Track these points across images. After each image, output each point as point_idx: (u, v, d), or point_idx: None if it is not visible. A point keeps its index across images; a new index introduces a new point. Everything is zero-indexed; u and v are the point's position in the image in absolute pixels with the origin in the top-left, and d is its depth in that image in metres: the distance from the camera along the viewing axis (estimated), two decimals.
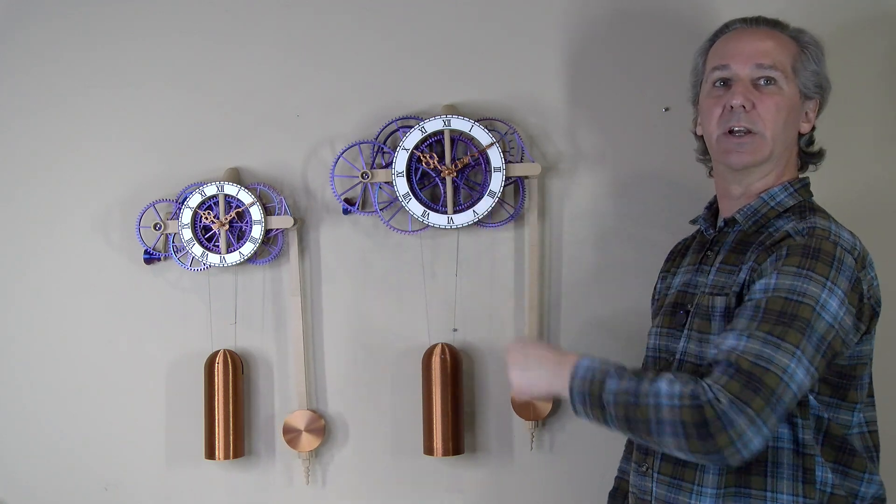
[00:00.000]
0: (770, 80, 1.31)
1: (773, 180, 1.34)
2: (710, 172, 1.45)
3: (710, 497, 1.25)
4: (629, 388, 1.19)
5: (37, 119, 1.80)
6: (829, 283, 1.17)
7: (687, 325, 1.33)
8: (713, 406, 1.12)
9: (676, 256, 1.50)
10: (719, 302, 1.28)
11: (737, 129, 1.30)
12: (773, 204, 1.32)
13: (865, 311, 1.22)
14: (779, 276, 1.19)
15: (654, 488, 1.33)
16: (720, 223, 1.38)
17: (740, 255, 1.30)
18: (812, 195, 1.35)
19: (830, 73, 1.37)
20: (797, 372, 1.14)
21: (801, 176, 1.37)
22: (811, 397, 1.24)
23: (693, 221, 1.48)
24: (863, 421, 1.28)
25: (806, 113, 1.35)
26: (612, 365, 1.25)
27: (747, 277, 1.25)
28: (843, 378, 1.25)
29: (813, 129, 1.37)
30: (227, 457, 1.71)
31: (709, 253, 1.37)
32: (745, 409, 1.12)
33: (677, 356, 1.33)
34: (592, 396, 1.22)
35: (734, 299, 1.26)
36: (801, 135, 1.36)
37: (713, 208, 1.43)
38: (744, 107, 1.29)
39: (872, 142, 1.66)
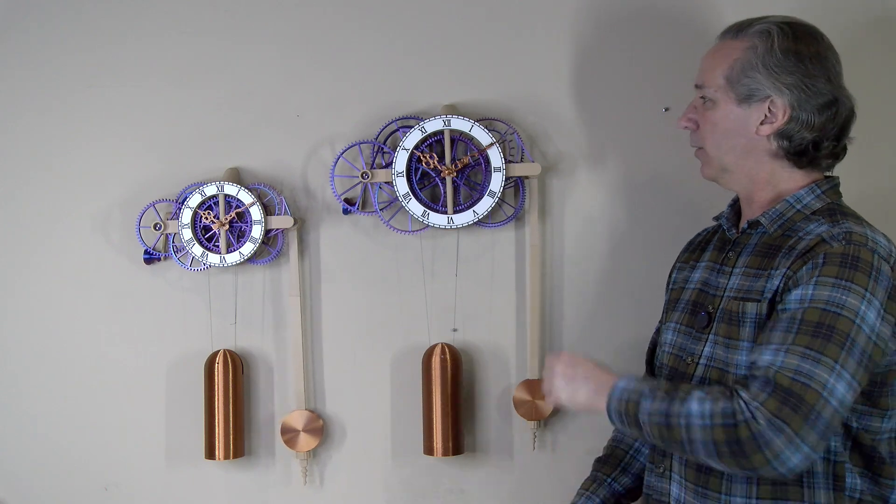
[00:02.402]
0: (705, 98, 1.35)
1: (760, 185, 1.34)
2: None
3: None
4: (661, 408, 1.20)
5: (37, 119, 1.80)
6: (867, 295, 1.17)
7: (712, 330, 1.32)
8: (749, 426, 1.12)
9: (696, 249, 1.49)
10: (750, 308, 1.26)
11: (692, 146, 1.40)
12: (799, 207, 1.31)
13: None
14: (816, 287, 1.18)
15: (672, 489, 1.34)
16: (743, 225, 1.37)
17: (768, 259, 1.28)
18: (841, 196, 1.33)
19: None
20: (837, 387, 1.13)
21: (827, 176, 1.34)
22: None
23: (717, 218, 1.48)
24: (893, 427, 1.26)
25: (766, 113, 1.29)
26: (647, 384, 1.25)
27: (781, 285, 1.23)
28: (876, 386, 1.23)
29: (790, 123, 1.28)
30: (227, 457, 1.71)
31: (730, 254, 1.36)
32: (784, 429, 1.11)
33: (700, 360, 1.32)
34: (629, 416, 1.24)
35: (766, 306, 1.24)
36: (779, 136, 1.30)
37: (736, 206, 1.43)
38: (691, 127, 1.38)
39: (868, 140, 1.66)
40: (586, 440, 1.72)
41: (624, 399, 1.25)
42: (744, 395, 1.15)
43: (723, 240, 1.42)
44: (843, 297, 1.16)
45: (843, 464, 1.23)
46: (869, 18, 1.69)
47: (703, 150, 1.37)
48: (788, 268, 1.23)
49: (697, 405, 1.17)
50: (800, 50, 1.28)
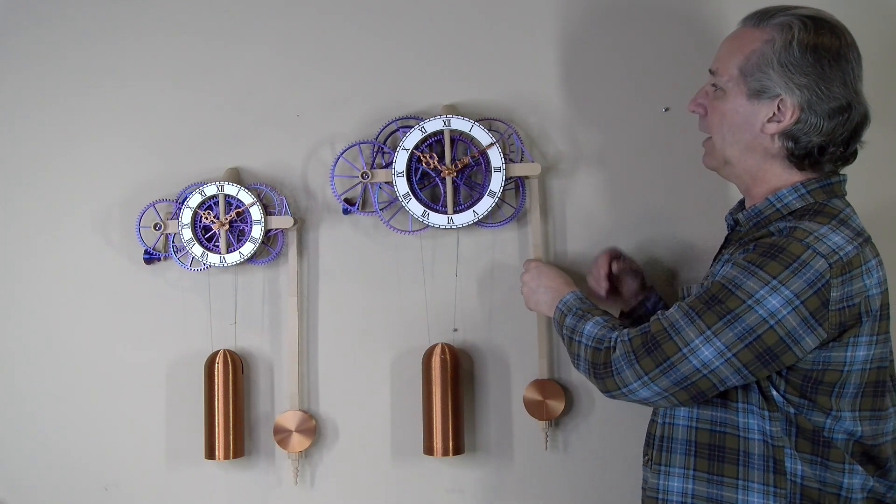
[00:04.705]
0: (715, 86, 1.33)
1: (755, 182, 1.33)
2: None
3: (677, 476, 1.33)
4: (572, 324, 1.39)
5: (37, 119, 1.80)
6: (774, 282, 1.19)
7: None
8: (608, 353, 1.29)
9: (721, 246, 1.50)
10: (694, 290, 1.33)
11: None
12: (778, 206, 1.30)
13: (831, 318, 1.20)
14: (731, 267, 1.23)
15: (645, 474, 1.42)
16: (731, 221, 1.40)
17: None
18: (836, 196, 1.30)
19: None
20: (702, 349, 1.21)
21: (813, 176, 1.30)
22: (775, 393, 1.26)
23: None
24: (851, 430, 1.26)
25: (775, 111, 1.27)
26: (581, 303, 1.44)
27: (721, 267, 1.29)
28: (809, 381, 1.24)
29: (798, 124, 1.26)
30: (227, 457, 1.71)
31: (723, 250, 1.38)
32: (634, 364, 1.25)
33: None
34: (559, 327, 1.44)
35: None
36: (785, 136, 1.28)
37: (743, 203, 1.43)
38: (700, 112, 1.37)
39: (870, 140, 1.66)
40: (596, 440, 1.73)
41: (560, 310, 1.46)
42: (624, 330, 1.30)
43: (728, 236, 1.44)
44: (743, 280, 1.21)
45: (783, 448, 1.25)
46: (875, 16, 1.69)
47: (711, 139, 1.36)
48: (730, 252, 1.28)
49: (590, 327, 1.35)
50: (819, 49, 1.25)
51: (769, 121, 1.28)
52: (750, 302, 1.19)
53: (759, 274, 1.19)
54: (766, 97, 1.27)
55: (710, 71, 1.35)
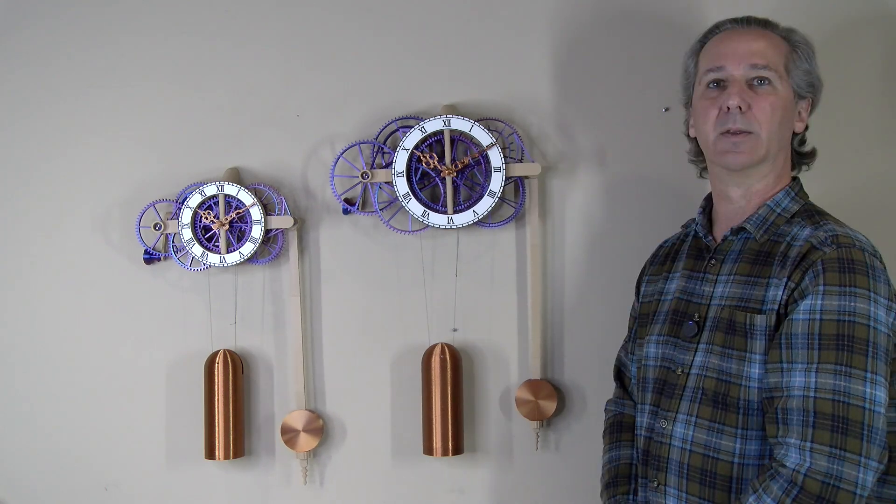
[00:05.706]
0: (764, 80, 1.31)
1: (773, 181, 1.33)
2: (700, 173, 1.47)
3: None
4: None
5: (37, 119, 1.80)
6: (871, 294, 1.18)
7: (703, 339, 1.30)
8: (814, 477, 1.11)
9: (665, 260, 1.47)
10: (759, 320, 1.23)
11: (733, 129, 1.29)
12: (779, 211, 1.31)
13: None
14: (824, 298, 1.18)
15: (667, 503, 1.31)
16: (726, 232, 1.34)
17: (761, 266, 1.27)
18: (808, 196, 1.36)
19: (827, 71, 1.37)
20: (877, 394, 1.14)
21: (793, 176, 1.37)
22: None
23: (685, 225, 1.47)
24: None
25: (799, 112, 1.35)
26: None
27: (785, 296, 1.22)
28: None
29: (806, 128, 1.37)
30: (227, 457, 1.71)
31: (712, 261, 1.34)
32: (846, 456, 1.11)
33: (692, 370, 1.30)
34: None
35: (774, 317, 1.23)
36: (794, 134, 1.36)
37: (707, 213, 1.41)
38: (740, 108, 1.28)
39: (870, 141, 1.66)
40: (588, 440, 1.72)
41: None
42: (789, 437, 1.14)
43: (698, 248, 1.40)
44: (852, 304, 1.17)
45: None
46: (857, 17, 1.69)
47: (752, 134, 1.30)
48: (789, 278, 1.23)
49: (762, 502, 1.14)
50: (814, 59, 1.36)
51: (798, 120, 1.35)
52: (872, 324, 1.17)
53: (857, 292, 1.18)
54: (802, 97, 1.34)
55: (753, 65, 1.30)
